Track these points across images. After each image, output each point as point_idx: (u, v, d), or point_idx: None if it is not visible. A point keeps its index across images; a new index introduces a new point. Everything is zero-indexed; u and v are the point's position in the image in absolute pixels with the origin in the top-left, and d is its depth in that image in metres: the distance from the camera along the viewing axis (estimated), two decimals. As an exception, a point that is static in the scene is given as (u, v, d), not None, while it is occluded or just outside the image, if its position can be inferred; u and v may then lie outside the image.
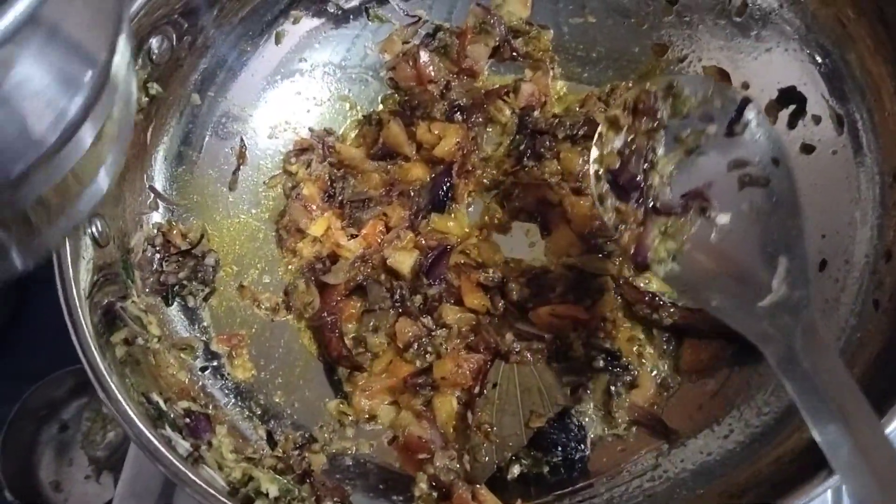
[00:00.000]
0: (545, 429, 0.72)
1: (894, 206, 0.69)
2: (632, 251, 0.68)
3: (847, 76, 0.74)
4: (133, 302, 0.70)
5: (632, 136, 0.69)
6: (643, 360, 0.75)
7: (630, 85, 0.84)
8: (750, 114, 0.66)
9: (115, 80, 0.42)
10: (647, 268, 0.68)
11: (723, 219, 0.66)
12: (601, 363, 0.74)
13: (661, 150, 0.68)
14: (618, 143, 0.69)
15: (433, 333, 0.77)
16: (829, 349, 0.57)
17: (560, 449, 0.71)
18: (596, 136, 0.70)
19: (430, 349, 0.76)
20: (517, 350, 0.76)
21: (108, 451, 1.22)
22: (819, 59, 0.76)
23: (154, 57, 0.74)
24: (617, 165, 0.69)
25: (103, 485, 1.20)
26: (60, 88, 0.39)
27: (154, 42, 0.73)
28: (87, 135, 0.40)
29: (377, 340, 0.77)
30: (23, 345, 1.20)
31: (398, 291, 0.79)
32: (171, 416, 0.65)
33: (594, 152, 0.69)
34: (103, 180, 0.46)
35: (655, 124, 0.68)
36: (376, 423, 0.76)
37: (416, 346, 0.76)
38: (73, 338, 0.62)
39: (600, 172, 0.69)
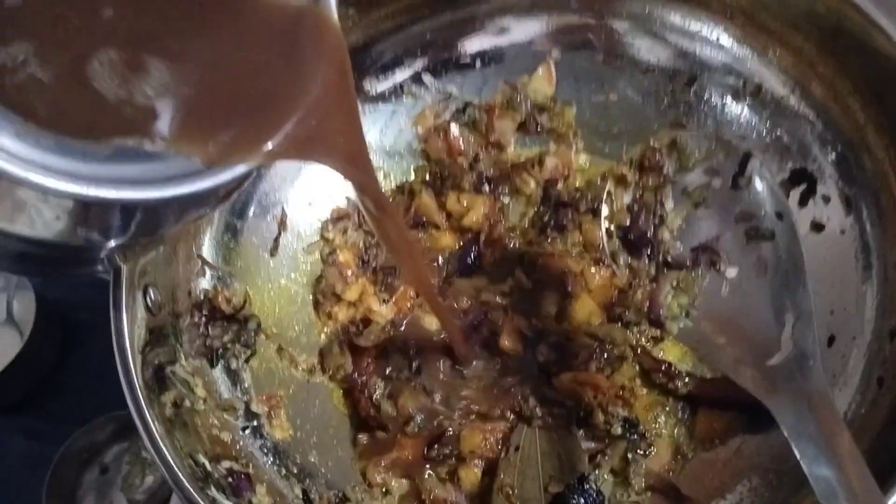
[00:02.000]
0: (564, 493, 0.76)
1: (901, 287, 0.73)
2: (646, 308, 0.72)
3: (854, 160, 0.78)
4: (181, 366, 0.75)
5: (640, 193, 0.73)
6: (660, 428, 0.79)
7: (649, 160, 0.89)
8: (752, 167, 0.70)
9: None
10: (662, 325, 0.71)
11: (731, 272, 0.70)
12: (619, 430, 0.78)
13: (669, 205, 0.72)
14: (627, 199, 0.73)
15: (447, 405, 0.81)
16: (837, 415, 0.59)
17: (579, 513, 0.75)
18: (605, 194, 0.74)
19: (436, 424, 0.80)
20: (540, 415, 0.80)
21: (147, 494, 1.27)
22: (828, 143, 0.80)
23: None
24: (627, 222, 0.73)
25: (141, 527, 1.25)
26: None
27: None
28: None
29: (390, 410, 0.82)
30: (68, 389, 1.25)
31: (416, 362, 0.84)
32: (216, 476, 0.70)
33: (604, 210, 0.73)
34: None
35: (662, 180, 0.72)
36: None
37: (418, 418, 0.81)
38: (126, 391, 0.67)
39: (612, 229, 0.73)
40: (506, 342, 0.84)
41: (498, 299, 0.87)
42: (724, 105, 0.87)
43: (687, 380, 0.79)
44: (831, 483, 0.55)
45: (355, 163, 0.57)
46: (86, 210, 0.49)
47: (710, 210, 0.71)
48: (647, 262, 0.72)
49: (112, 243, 0.56)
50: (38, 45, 0.45)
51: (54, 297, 1.17)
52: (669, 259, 0.72)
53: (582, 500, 0.75)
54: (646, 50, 0.89)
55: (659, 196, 0.72)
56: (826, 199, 0.80)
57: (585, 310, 0.84)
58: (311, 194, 0.91)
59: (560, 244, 0.87)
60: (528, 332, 0.84)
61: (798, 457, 0.58)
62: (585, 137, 0.93)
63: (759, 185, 0.69)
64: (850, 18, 0.72)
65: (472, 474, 0.78)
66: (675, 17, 0.86)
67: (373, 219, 0.66)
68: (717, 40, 0.85)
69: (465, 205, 0.90)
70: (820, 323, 0.76)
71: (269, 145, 0.49)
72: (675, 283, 0.71)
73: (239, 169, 0.48)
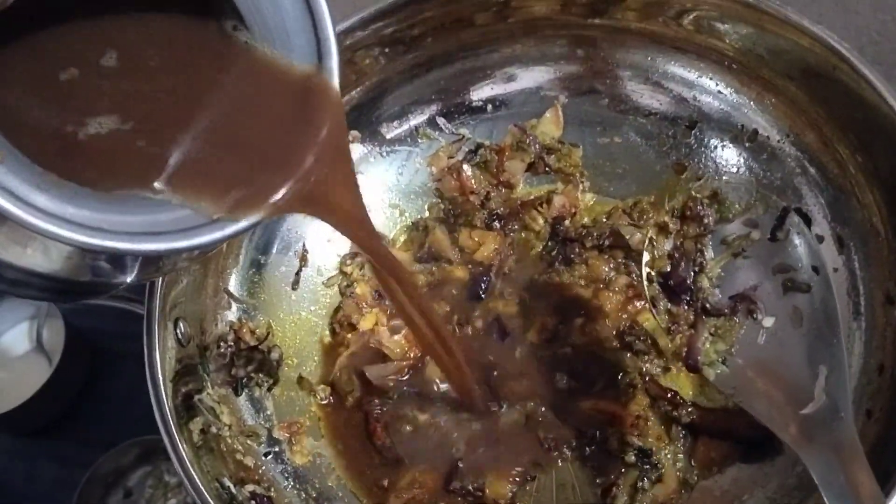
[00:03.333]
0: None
1: (887, 325, 0.76)
2: (684, 354, 0.75)
3: (845, 203, 0.82)
4: (208, 394, 0.80)
5: (681, 241, 0.77)
6: (667, 458, 0.82)
7: (652, 199, 0.94)
8: (790, 222, 0.73)
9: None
10: (699, 370, 0.74)
11: (768, 321, 0.72)
12: (633, 458, 0.81)
13: (709, 254, 0.76)
14: (667, 247, 0.77)
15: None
16: (866, 467, 0.60)
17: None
18: (647, 241, 0.78)
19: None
20: (556, 445, 0.84)
21: (170, 518, 1.31)
22: (821, 186, 0.84)
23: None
24: (668, 269, 0.77)
25: (164, 550, 1.30)
26: None
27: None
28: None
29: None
30: (95, 415, 1.29)
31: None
32: (240, 498, 0.74)
33: (646, 256, 0.77)
34: None
35: (703, 229, 0.76)
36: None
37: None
38: (158, 417, 0.71)
39: (652, 275, 0.77)
40: (533, 337, 0.89)
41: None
42: (723, 148, 0.92)
43: (690, 409, 0.82)
44: None
45: (354, 219, 0.61)
46: (95, 255, 0.53)
47: (748, 260, 0.74)
48: (685, 308, 0.75)
49: (120, 279, 0.59)
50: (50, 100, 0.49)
51: (83, 325, 1.22)
52: (708, 306, 0.74)
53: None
54: (648, 96, 0.94)
55: (699, 245, 0.75)
56: (820, 239, 0.84)
57: (599, 334, 0.89)
58: (329, 231, 0.95)
59: (567, 276, 0.92)
60: (552, 329, 0.88)
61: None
62: (591, 177, 0.97)
63: (796, 239, 0.72)
64: (839, 70, 0.76)
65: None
66: (676, 67, 0.91)
67: (380, 279, 0.70)
68: (715, 88, 0.90)
69: (476, 240, 0.95)
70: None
71: (273, 201, 0.52)
72: (713, 330, 0.74)
73: (243, 223, 0.51)
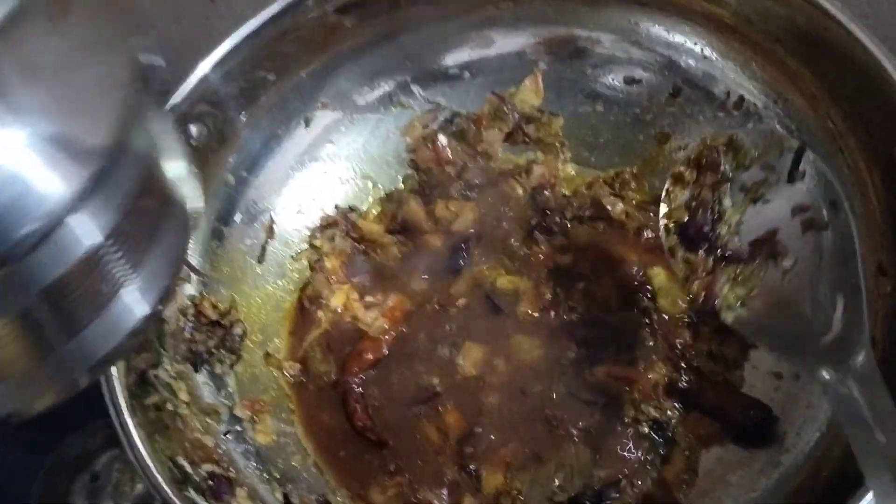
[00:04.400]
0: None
1: (878, 297, 0.73)
2: (701, 299, 0.72)
3: (835, 171, 0.78)
4: (165, 369, 0.76)
5: (698, 191, 0.74)
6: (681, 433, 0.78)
7: (635, 170, 0.90)
8: (806, 161, 0.70)
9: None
10: (717, 314, 0.71)
11: (788, 262, 0.70)
12: (646, 429, 0.78)
13: (727, 202, 0.73)
14: (684, 197, 0.74)
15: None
16: (884, 388, 0.59)
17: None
18: (664, 192, 0.75)
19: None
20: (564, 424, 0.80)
21: (137, 502, 1.27)
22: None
23: (192, 142, 0.81)
24: (685, 219, 0.74)
25: (130, 535, 1.25)
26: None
27: (193, 128, 0.81)
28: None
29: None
30: (60, 397, 1.25)
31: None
32: (196, 479, 0.70)
33: (663, 208, 0.75)
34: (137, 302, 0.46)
35: (720, 177, 0.73)
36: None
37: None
38: (105, 393, 0.68)
39: (670, 226, 0.74)
40: (528, 307, 0.86)
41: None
42: (707, 116, 0.88)
43: (692, 376, 0.79)
44: (881, 465, 0.54)
45: None
46: None
47: (768, 205, 0.72)
48: (704, 255, 0.73)
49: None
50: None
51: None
52: (728, 253, 0.72)
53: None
54: (631, 62, 0.90)
55: (716, 193, 0.73)
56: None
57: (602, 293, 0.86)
58: (299, 202, 0.92)
59: (547, 246, 0.88)
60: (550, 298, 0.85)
61: (848, 431, 0.58)
62: (572, 147, 0.93)
63: (813, 177, 0.70)
64: (828, 30, 0.73)
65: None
66: (660, 30, 0.87)
67: None
68: (700, 52, 0.86)
69: (453, 210, 0.91)
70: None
71: None
72: (732, 276, 0.72)
73: None
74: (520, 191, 0.92)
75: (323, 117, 0.92)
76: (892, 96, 0.69)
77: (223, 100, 0.82)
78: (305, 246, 0.92)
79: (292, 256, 0.91)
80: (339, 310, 0.89)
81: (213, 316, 0.82)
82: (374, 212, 0.94)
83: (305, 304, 0.89)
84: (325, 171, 0.93)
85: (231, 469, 0.76)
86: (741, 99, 0.85)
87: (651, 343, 0.82)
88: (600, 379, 0.81)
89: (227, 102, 0.82)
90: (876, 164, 0.74)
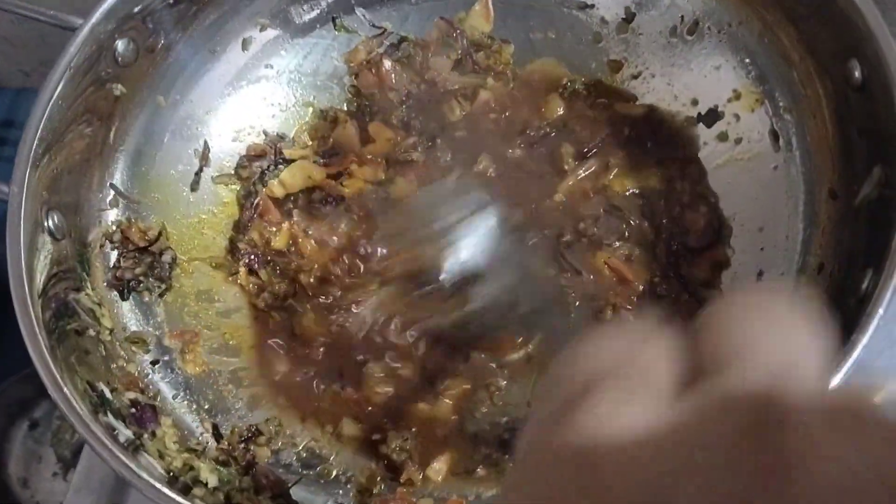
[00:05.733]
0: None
1: (828, 222, 0.71)
2: None
3: (788, 94, 0.76)
4: (87, 294, 0.72)
5: None
6: None
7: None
8: None
9: None
10: None
11: None
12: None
13: None
14: None
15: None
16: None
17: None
18: None
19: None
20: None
21: (76, 449, 1.23)
22: (763, 78, 0.78)
23: (119, 59, 0.76)
24: None
25: (70, 483, 1.21)
26: None
27: (119, 44, 0.75)
28: None
29: None
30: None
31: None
32: (116, 405, 0.66)
33: None
34: None
35: None
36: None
37: None
38: (20, 320, 0.63)
39: None
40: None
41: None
42: (661, 43, 0.85)
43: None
44: None
45: None
46: None
47: None
48: None
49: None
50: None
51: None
52: None
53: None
54: (585, -15, 0.87)
55: None
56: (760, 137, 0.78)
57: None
58: (236, 128, 0.88)
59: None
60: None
61: None
62: (523, 76, 0.90)
63: None
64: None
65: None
66: (613, -49, 0.84)
67: None
68: (655, -25, 0.83)
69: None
70: (749, 259, 0.76)
71: None
72: None
73: None
74: (458, 111, 0.88)
75: (261, 37, 0.87)
76: (842, 11, 0.66)
77: (152, 13, 0.77)
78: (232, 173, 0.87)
79: (226, 185, 0.87)
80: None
81: (142, 242, 0.78)
82: (304, 137, 0.90)
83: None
84: (264, 97, 0.89)
85: (157, 398, 0.73)
86: (696, 23, 0.82)
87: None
88: (598, 265, 0.80)
89: (157, 16, 0.77)
90: (829, 87, 0.72)
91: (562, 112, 0.86)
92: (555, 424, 0.25)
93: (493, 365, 0.77)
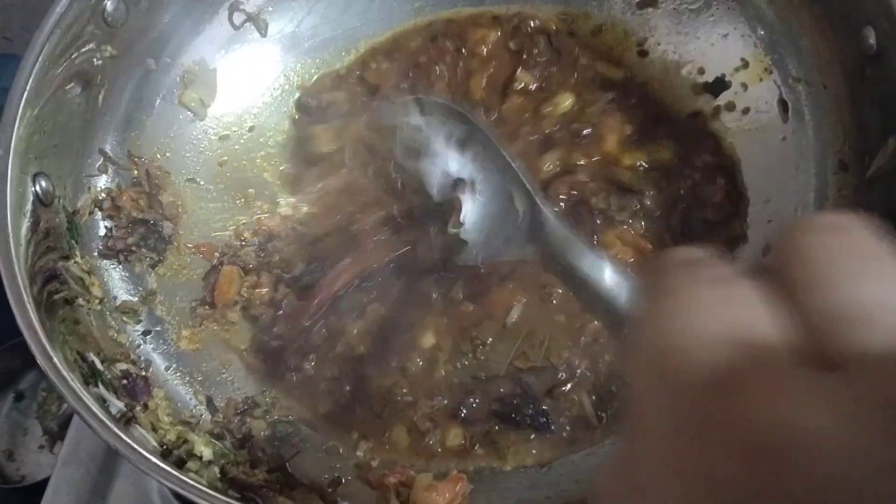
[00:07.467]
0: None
1: (839, 194, 0.70)
2: None
3: (796, 64, 0.74)
4: (76, 262, 0.70)
5: None
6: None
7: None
8: None
9: None
10: None
11: None
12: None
13: None
14: None
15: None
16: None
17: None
18: None
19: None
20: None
21: (62, 421, 1.22)
22: (771, 46, 0.76)
23: (109, 20, 0.73)
24: None
25: (56, 455, 1.20)
26: None
27: (109, 4, 0.72)
28: None
29: None
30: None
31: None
32: (108, 375, 0.64)
33: None
34: None
35: None
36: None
37: None
38: (7, 286, 0.61)
39: None
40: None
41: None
42: (668, 11, 0.83)
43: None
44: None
45: None
46: None
47: None
48: None
49: None
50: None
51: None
52: None
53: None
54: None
55: None
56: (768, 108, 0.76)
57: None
58: (231, 92, 0.85)
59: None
60: None
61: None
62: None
63: None
64: None
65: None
66: None
67: None
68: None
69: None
70: (756, 232, 0.74)
71: None
72: None
73: None
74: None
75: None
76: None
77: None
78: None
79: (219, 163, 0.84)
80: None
81: (135, 213, 0.76)
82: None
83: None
84: (257, 61, 0.86)
85: (150, 370, 0.71)
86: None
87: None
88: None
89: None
90: (840, 54, 0.70)
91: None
92: (720, 405, 0.21)
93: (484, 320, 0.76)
